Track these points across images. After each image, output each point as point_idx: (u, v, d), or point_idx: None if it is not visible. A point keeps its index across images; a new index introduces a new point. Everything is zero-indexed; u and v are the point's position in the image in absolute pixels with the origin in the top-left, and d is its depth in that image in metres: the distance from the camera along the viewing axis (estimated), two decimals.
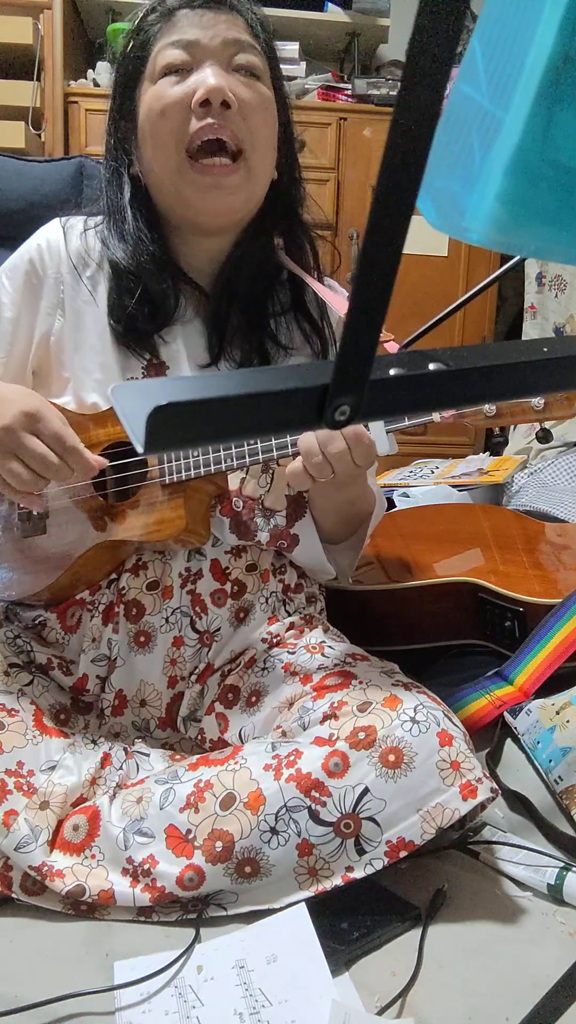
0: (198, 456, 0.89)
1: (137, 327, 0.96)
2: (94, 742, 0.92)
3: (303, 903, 0.75)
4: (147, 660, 0.96)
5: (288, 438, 0.88)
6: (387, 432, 0.87)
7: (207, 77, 0.89)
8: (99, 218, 1.01)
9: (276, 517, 1.00)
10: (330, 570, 1.06)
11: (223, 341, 0.99)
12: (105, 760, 0.89)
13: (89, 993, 0.68)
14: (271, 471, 1.00)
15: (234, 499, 0.97)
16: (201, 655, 0.97)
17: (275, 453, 0.88)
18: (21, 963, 0.73)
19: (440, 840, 0.85)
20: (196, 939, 0.74)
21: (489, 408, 0.83)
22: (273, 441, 0.88)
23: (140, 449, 0.28)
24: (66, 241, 1.00)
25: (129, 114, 0.96)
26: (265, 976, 0.68)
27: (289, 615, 1.03)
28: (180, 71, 0.90)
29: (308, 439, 0.86)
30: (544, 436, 0.84)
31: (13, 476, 0.84)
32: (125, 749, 0.92)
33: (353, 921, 0.75)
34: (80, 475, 0.87)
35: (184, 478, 0.90)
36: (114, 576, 0.98)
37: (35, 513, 0.97)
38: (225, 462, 0.89)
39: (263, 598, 1.01)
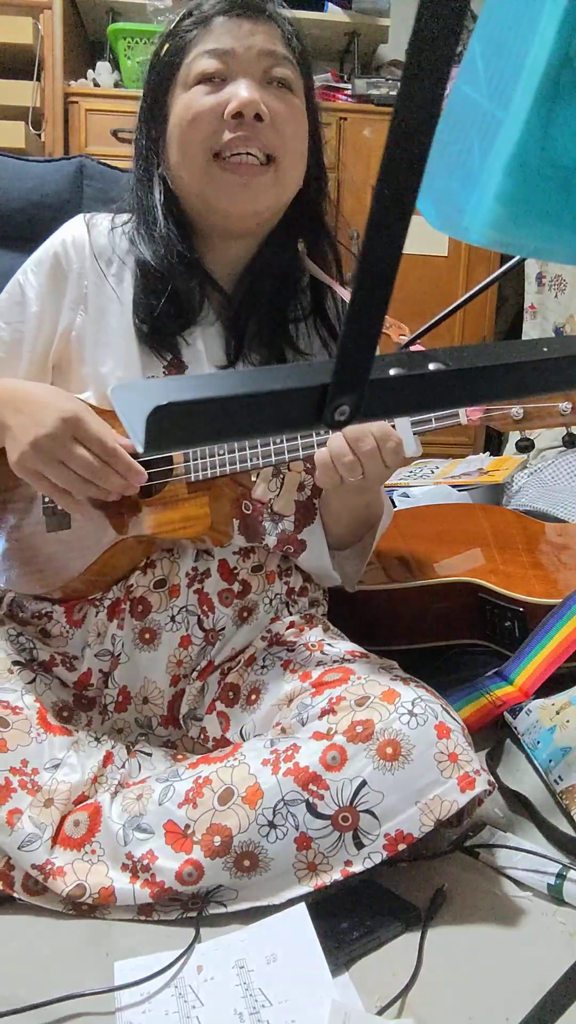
0: (223, 454, 0.90)
1: (161, 327, 0.96)
2: (97, 739, 0.92)
3: (303, 904, 0.75)
4: (151, 657, 0.97)
5: (315, 437, 0.88)
6: (413, 434, 0.87)
7: (240, 89, 0.89)
8: (125, 216, 1.01)
9: (284, 522, 1.00)
10: (335, 577, 1.07)
11: (241, 345, 0.99)
12: (107, 759, 0.89)
13: (89, 994, 0.68)
14: (281, 476, 1.00)
15: (243, 501, 0.98)
16: (205, 653, 0.98)
17: (301, 453, 0.89)
18: (21, 963, 0.73)
19: (440, 844, 0.85)
20: (196, 939, 0.74)
21: (516, 411, 0.84)
22: (300, 440, 0.89)
23: (140, 449, 0.28)
24: (90, 237, 1.00)
25: (160, 117, 0.96)
26: (265, 976, 0.68)
27: (291, 616, 1.03)
28: (214, 80, 0.91)
29: (337, 438, 0.86)
30: (571, 441, 0.84)
31: (68, 482, 0.85)
32: (128, 747, 0.93)
33: (353, 921, 0.75)
34: (128, 479, 0.86)
35: (210, 476, 0.90)
36: None
37: (60, 508, 0.98)
38: (251, 460, 0.89)
39: (267, 599, 1.01)
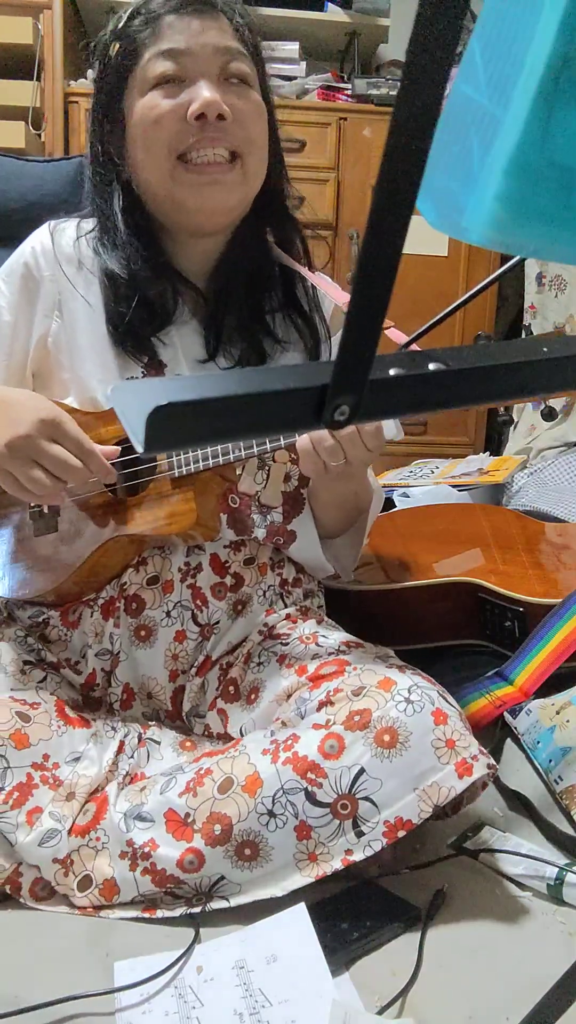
0: (206, 448, 0.90)
1: (135, 332, 0.96)
2: (114, 728, 0.93)
3: (303, 904, 0.75)
4: (148, 654, 0.97)
5: None
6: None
7: (201, 90, 0.89)
8: (90, 222, 1.01)
9: (272, 513, 1.00)
10: (328, 568, 1.07)
11: (220, 341, 0.99)
12: (120, 748, 0.90)
13: (90, 995, 0.67)
14: (267, 468, 1.00)
15: (230, 495, 0.98)
16: (202, 648, 0.98)
17: (283, 442, 0.89)
18: (21, 963, 0.73)
19: (441, 849, 0.85)
20: (196, 939, 0.74)
21: None
22: None
23: (140, 449, 0.28)
24: (55, 246, 1.00)
25: (116, 120, 0.95)
26: (265, 976, 0.68)
27: (286, 607, 1.03)
28: (172, 81, 0.90)
29: None
30: (549, 413, 0.83)
31: (34, 483, 0.84)
32: (139, 736, 0.93)
33: (353, 921, 0.75)
34: (99, 478, 0.88)
35: (193, 470, 0.90)
36: None
37: (46, 511, 0.98)
38: (233, 452, 0.89)
39: (261, 591, 1.02)
